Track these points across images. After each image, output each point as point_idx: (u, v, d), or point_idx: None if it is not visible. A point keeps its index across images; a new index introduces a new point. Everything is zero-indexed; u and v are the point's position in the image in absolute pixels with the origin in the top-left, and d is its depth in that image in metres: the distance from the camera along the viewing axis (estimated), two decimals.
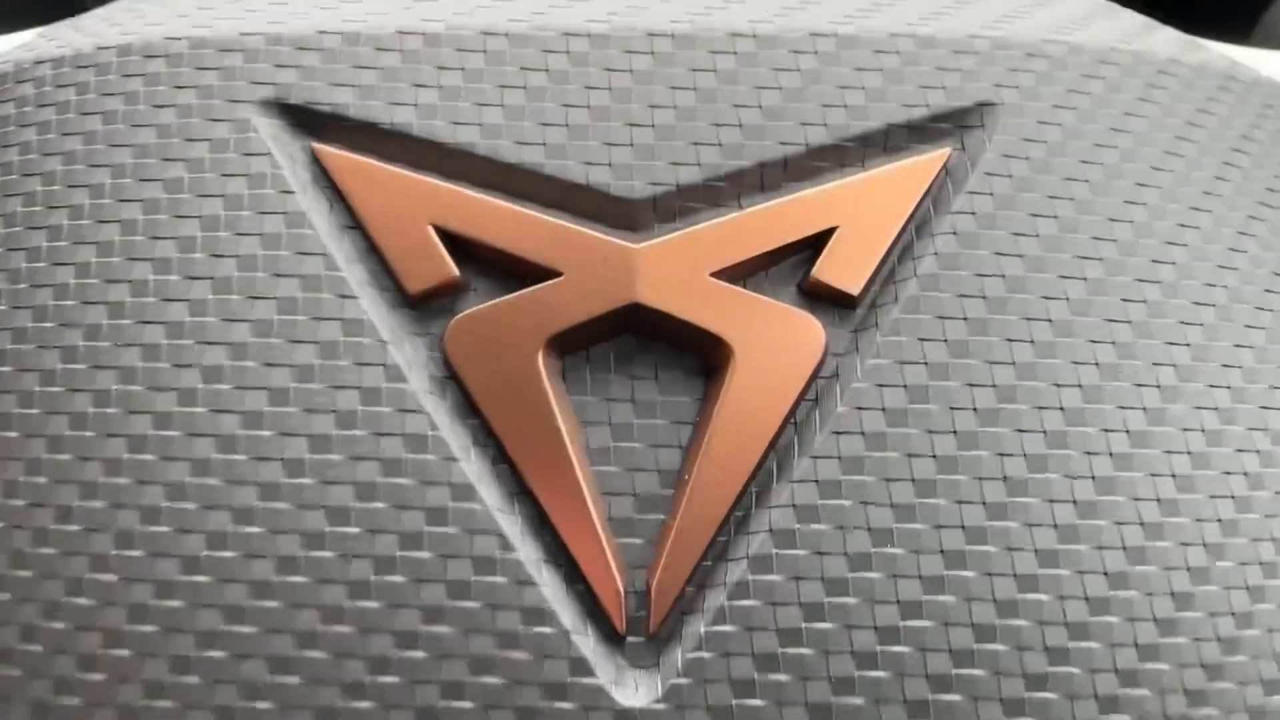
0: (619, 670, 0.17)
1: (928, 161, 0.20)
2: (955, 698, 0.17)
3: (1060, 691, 0.17)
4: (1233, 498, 0.18)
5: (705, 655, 0.17)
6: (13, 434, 0.18)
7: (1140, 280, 0.19)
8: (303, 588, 0.17)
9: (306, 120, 0.20)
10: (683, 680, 0.17)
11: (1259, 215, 0.22)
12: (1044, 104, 0.21)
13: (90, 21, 0.25)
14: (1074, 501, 0.18)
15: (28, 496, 0.18)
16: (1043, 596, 0.17)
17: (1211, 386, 0.19)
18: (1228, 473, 0.18)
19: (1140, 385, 0.18)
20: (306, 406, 0.18)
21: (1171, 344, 0.19)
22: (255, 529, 0.17)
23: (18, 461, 0.18)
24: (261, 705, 0.17)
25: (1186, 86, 0.23)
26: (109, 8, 0.26)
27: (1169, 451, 0.18)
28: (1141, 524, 0.18)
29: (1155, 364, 0.19)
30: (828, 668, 0.17)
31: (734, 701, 0.17)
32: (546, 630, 0.17)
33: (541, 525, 0.18)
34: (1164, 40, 0.25)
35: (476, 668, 0.17)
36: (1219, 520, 0.18)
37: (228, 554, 0.17)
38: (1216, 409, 0.19)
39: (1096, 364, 0.19)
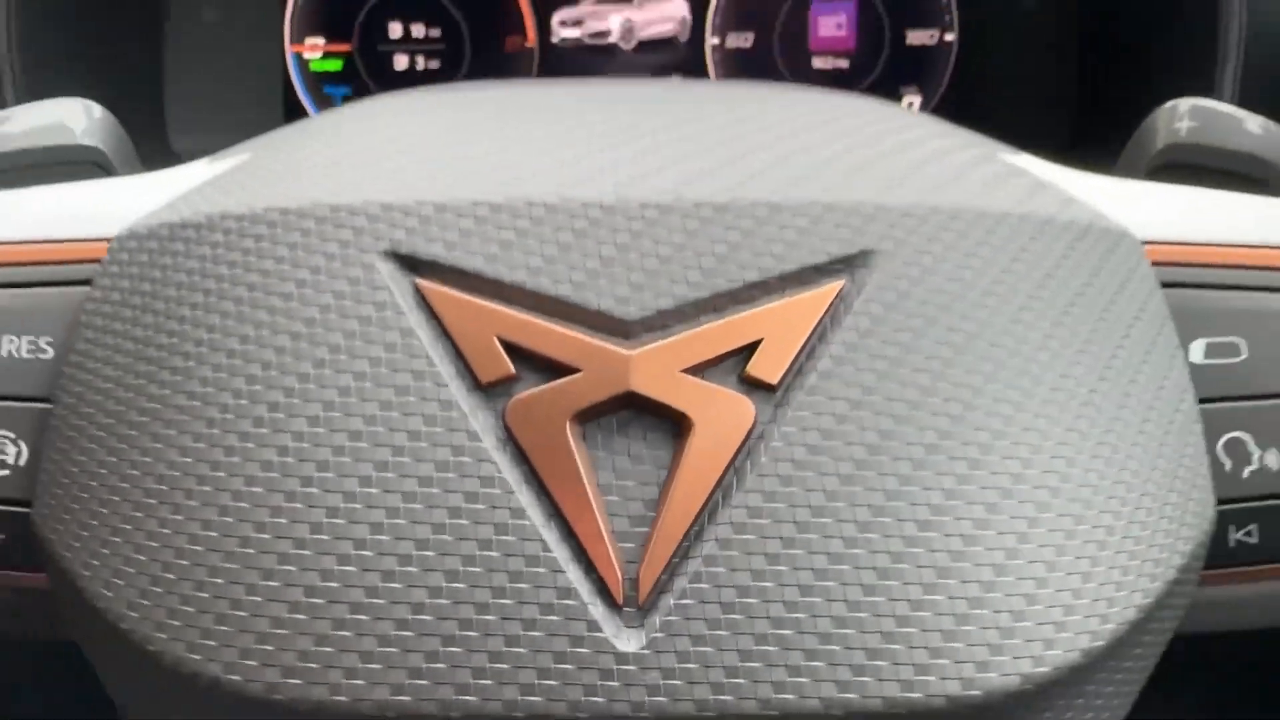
0: (618, 628, 0.26)
1: (827, 291, 0.28)
2: (835, 648, 0.26)
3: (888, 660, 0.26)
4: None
5: (674, 619, 0.26)
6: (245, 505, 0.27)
7: (972, 373, 0.28)
8: (409, 575, 0.26)
9: (412, 265, 0.28)
10: (659, 635, 0.26)
11: (1087, 350, 0.30)
12: (912, 250, 0.29)
13: (243, 179, 0.33)
14: (916, 520, 0.26)
15: (261, 532, 0.27)
16: (892, 582, 0.26)
17: (1014, 467, 0.28)
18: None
19: (962, 448, 0.27)
20: (416, 457, 0.27)
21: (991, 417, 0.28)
22: (384, 537, 0.26)
23: (259, 518, 0.27)
24: (370, 657, 0.26)
25: (1044, 239, 0.31)
26: (250, 167, 0.35)
27: (989, 503, 0.27)
28: (961, 535, 0.27)
29: (977, 428, 0.28)
30: (753, 627, 0.26)
31: (692, 648, 0.26)
32: (571, 603, 0.26)
33: (568, 535, 0.26)
34: (1022, 197, 0.33)
35: (526, 627, 0.26)
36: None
37: (364, 553, 0.26)
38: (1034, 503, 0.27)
39: (938, 427, 0.27)
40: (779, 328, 0.28)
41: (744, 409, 0.27)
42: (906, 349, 0.28)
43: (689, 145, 0.31)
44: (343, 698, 0.25)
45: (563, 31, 0.92)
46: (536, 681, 0.25)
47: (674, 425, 0.27)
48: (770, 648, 0.26)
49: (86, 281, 0.32)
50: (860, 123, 0.35)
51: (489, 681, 0.25)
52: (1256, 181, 0.44)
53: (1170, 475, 0.30)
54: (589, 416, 0.27)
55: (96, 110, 0.45)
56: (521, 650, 0.25)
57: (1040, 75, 0.90)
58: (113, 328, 0.31)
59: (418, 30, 0.92)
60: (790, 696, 0.25)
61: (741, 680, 0.26)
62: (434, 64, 0.92)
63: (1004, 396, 0.28)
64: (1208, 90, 0.72)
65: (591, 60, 0.92)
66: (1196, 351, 0.33)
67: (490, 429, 0.27)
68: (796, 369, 0.27)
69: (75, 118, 0.44)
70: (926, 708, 0.26)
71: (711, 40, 0.93)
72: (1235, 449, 0.33)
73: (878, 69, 0.93)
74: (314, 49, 0.92)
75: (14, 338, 0.32)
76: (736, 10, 0.92)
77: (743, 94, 0.38)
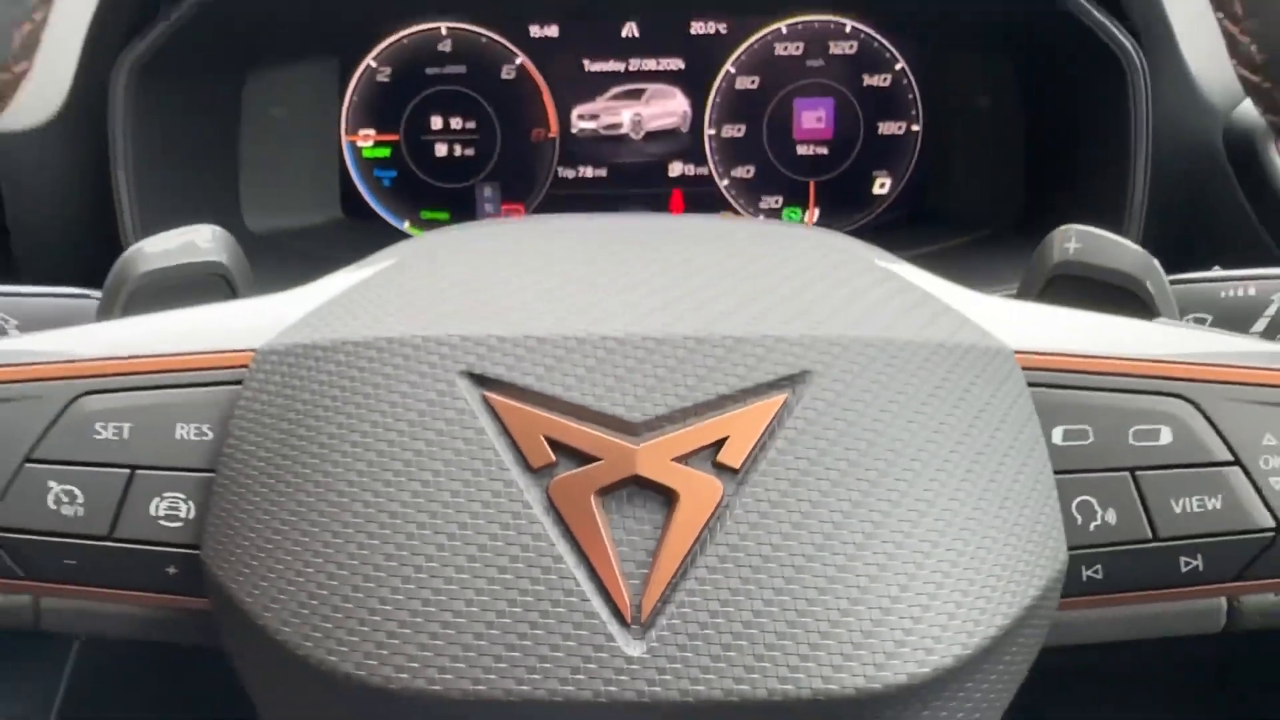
0: (627, 640, 0.36)
1: (775, 401, 0.38)
2: (777, 653, 0.36)
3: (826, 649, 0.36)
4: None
5: (666, 633, 0.36)
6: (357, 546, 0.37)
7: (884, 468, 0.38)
8: (483, 601, 0.36)
9: (482, 381, 0.38)
10: (655, 644, 0.36)
11: (964, 440, 0.39)
12: (837, 370, 0.39)
13: (355, 308, 0.43)
14: (836, 564, 0.36)
15: (370, 560, 0.37)
16: (819, 606, 0.36)
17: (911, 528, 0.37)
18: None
19: (870, 514, 0.37)
20: (487, 519, 0.36)
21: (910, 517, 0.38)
22: (465, 575, 0.36)
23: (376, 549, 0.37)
24: (455, 658, 0.35)
25: (937, 358, 0.40)
26: (360, 297, 0.44)
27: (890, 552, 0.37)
28: (868, 574, 0.36)
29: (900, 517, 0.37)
30: (721, 639, 0.36)
31: (678, 653, 0.36)
32: (595, 621, 0.36)
33: (592, 575, 0.36)
34: (923, 324, 0.42)
35: (565, 638, 0.36)
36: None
37: (451, 586, 0.36)
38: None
39: (852, 499, 0.37)
40: (741, 428, 0.38)
41: (715, 486, 0.37)
42: (831, 443, 0.38)
43: (678, 289, 0.41)
44: (437, 686, 0.35)
45: (581, 124, 1.00)
46: (570, 675, 0.35)
47: (667, 497, 0.37)
48: (733, 653, 0.36)
49: (238, 382, 0.42)
50: (806, 262, 0.44)
51: (538, 675, 0.35)
52: (1129, 292, 0.54)
53: (1029, 528, 0.40)
54: (607, 491, 0.37)
55: (219, 232, 0.55)
56: (560, 654, 0.35)
57: (993, 162, 0.96)
58: (262, 420, 0.40)
59: (455, 123, 0.99)
60: (746, 687, 0.35)
61: (712, 675, 0.35)
62: (469, 151, 1.00)
63: (901, 476, 0.38)
64: (1122, 181, 0.81)
65: (605, 148, 1.00)
66: (1057, 435, 0.43)
67: (538, 500, 0.37)
68: (753, 458, 0.37)
69: (203, 240, 0.54)
70: (843, 696, 0.36)
71: (709, 131, 1.01)
72: (1084, 508, 0.42)
73: (853, 155, 1.00)
74: (366, 139, 1.01)
75: (185, 425, 0.42)
76: (730, 105, 1.00)
77: (716, 233, 0.47)
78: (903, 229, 1.01)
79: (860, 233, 1.02)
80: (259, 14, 0.85)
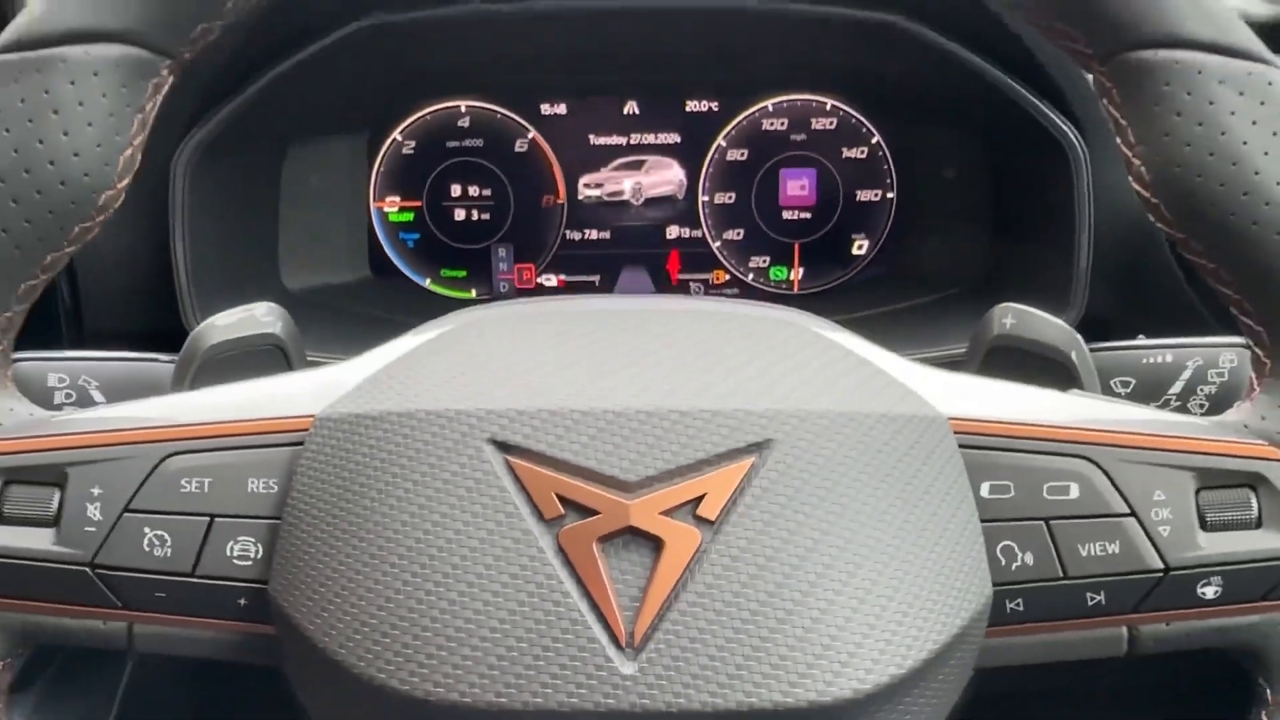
0: (622, 660, 0.42)
1: (744, 464, 0.44)
2: (745, 671, 0.42)
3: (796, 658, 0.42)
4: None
5: (654, 655, 0.42)
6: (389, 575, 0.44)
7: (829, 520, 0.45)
8: (505, 629, 0.42)
9: (505, 447, 0.45)
10: (645, 664, 0.42)
11: (902, 495, 0.43)
12: (796, 439, 0.46)
13: (397, 383, 0.49)
14: (793, 599, 0.43)
15: (395, 581, 0.43)
16: (783, 629, 0.42)
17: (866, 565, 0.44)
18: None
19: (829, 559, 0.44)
20: (507, 562, 0.43)
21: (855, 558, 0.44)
22: (490, 607, 0.43)
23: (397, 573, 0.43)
24: (482, 675, 0.42)
25: (880, 426, 0.45)
26: (400, 372, 0.51)
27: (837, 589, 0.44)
28: (819, 607, 0.43)
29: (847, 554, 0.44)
30: (699, 660, 0.42)
31: (664, 672, 0.42)
32: (595, 645, 0.42)
33: (594, 607, 0.42)
34: (869, 396, 0.47)
35: (571, 659, 0.42)
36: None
37: (479, 616, 0.43)
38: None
39: (806, 545, 0.44)
40: (716, 486, 0.44)
41: (694, 535, 0.43)
42: (790, 499, 0.44)
43: (665, 368, 0.47)
44: (467, 699, 0.42)
45: (587, 191, 1.06)
46: (575, 689, 0.42)
47: (655, 544, 0.43)
48: (709, 671, 0.42)
49: (300, 443, 0.49)
50: (772, 342, 0.50)
51: (550, 690, 0.42)
52: (1057, 362, 0.61)
53: (957, 568, 0.46)
54: (606, 539, 0.43)
55: (274, 308, 0.62)
56: (568, 672, 0.42)
57: (960, 228, 1.02)
58: (321, 477, 0.47)
59: (473, 190, 1.06)
60: (720, 700, 0.42)
61: (692, 690, 0.42)
62: (485, 216, 1.06)
63: (846, 526, 0.44)
64: (1069, 250, 0.87)
65: (609, 213, 1.07)
66: (984, 489, 0.48)
67: (549, 546, 0.43)
68: (725, 511, 0.44)
69: (261, 314, 0.62)
70: (799, 707, 0.42)
71: (703, 198, 1.07)
72: (1007, 551, 0.48)
73: (834, 219, 1.07)
74: (392, 205, 1.07)
75: (255, 479, 0.48)
76: (722, 175, 1.06)
77: (697, 317, 0.51)
78: (879, 286, 1.07)
79: (840, 289, 1.09)
80: (301, 98, 0.92)
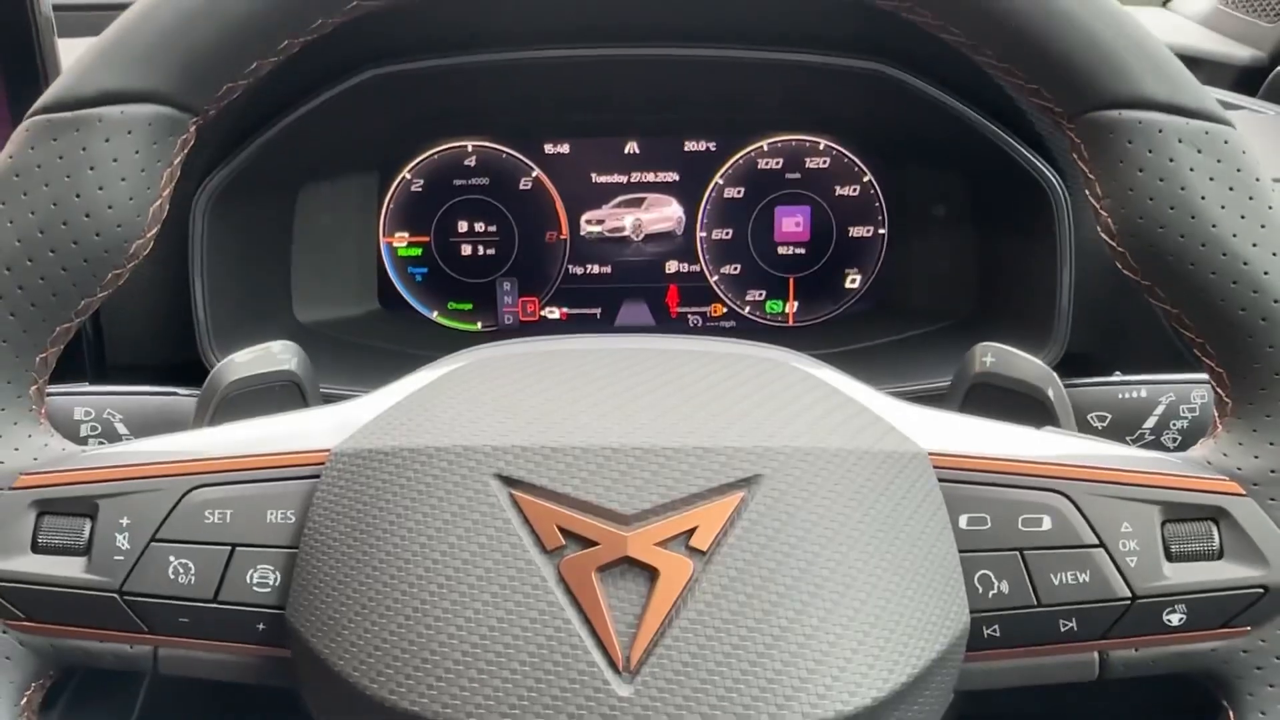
0: (620, 683, 0.45)
1: (733, 499, 0.47)
2: (736, 692, 0.45)
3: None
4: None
5: (649, 678, 0.45)
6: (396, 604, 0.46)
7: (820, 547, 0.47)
8: (509, 654, 0.45)
9: (509, 481, 0.48)
10: (641, 687, 0.45)
11: (885, 526, 0.47)
12: (782, 474, 0.48)
13: (408, 421, 0.52)
14: (781, 625, 0.45)
15: (403, 608, 0.46)
16: (772, 651, 0.45)
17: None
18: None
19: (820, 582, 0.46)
20: (512, 590, 0.46)
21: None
22: (495, 632, 0.45)
23: (404, 604, 0.46)
24: (488, 696, 0.44)
25: (863, 462, 0.48)
26: (412, 409, 0.54)
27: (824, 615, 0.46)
28: (806, 631, 0.46)
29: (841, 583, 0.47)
30: (692, 682, 0.45)
31: (659, 694, 0.45)
32: (594, 669, 0.44)
33: (593, 633, 0.45)
34: (854, 433, 0.50)
35: (571, 681, 0.45)
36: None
37: (485, 641, 0.45)
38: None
39: (793, 573, 0.46)
40: (708, 519, 0.47)
41: (687, 565, 0.46)
42: (777, 531, 0.47)
43: (660, 406, 0.50)
44: (474, 718, 0.44)
45: (588, 228, 1.09)
46: (575, 710, 0.44)
47: (651, 573, 0.46)
48: (702, 694, 0.44)
49: (316, 476, 0.51)
50: (761, 381, 0.53)
51: (551, 711, 0.44)
52: (1035, 399, 0.63)
53: (936, 596, 0.49)
54: (604, 569, 0.46)
55: (292, 347, 0.65)
56: (569, 694, 0.44)
57: (949, 263, 1.05)
58: (336, 509, 0.50)
59: (479, 226, 1.08)
60: None
61: (685, 712, 0.44)
62: (491, 251, 1.09)
63: (831, 555, 0.47)
64: (1052, 288, 0.90)
65: (610, 248, 1.10)
66: (962, 521, 0.51)
67: (551, 575, 0.46)
68: (716, 542, 0.46)
69: (281, 353, 0.64)
70: None
71: (701, 234, 1.10)
72: (984, 580, 0.51)
73: (827, 255, 1.09)
74: (401, 240, 1.10)
75: (274, 511, 0.51)
76: (719, 212, 1.09)
77: (691, 355, 0.54)
78: (870, 319, 1.10)
79: (834, 322, 1.12)
80: (313, 142, 0.94)
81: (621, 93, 1.02)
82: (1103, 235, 0.52)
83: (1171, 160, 0.49)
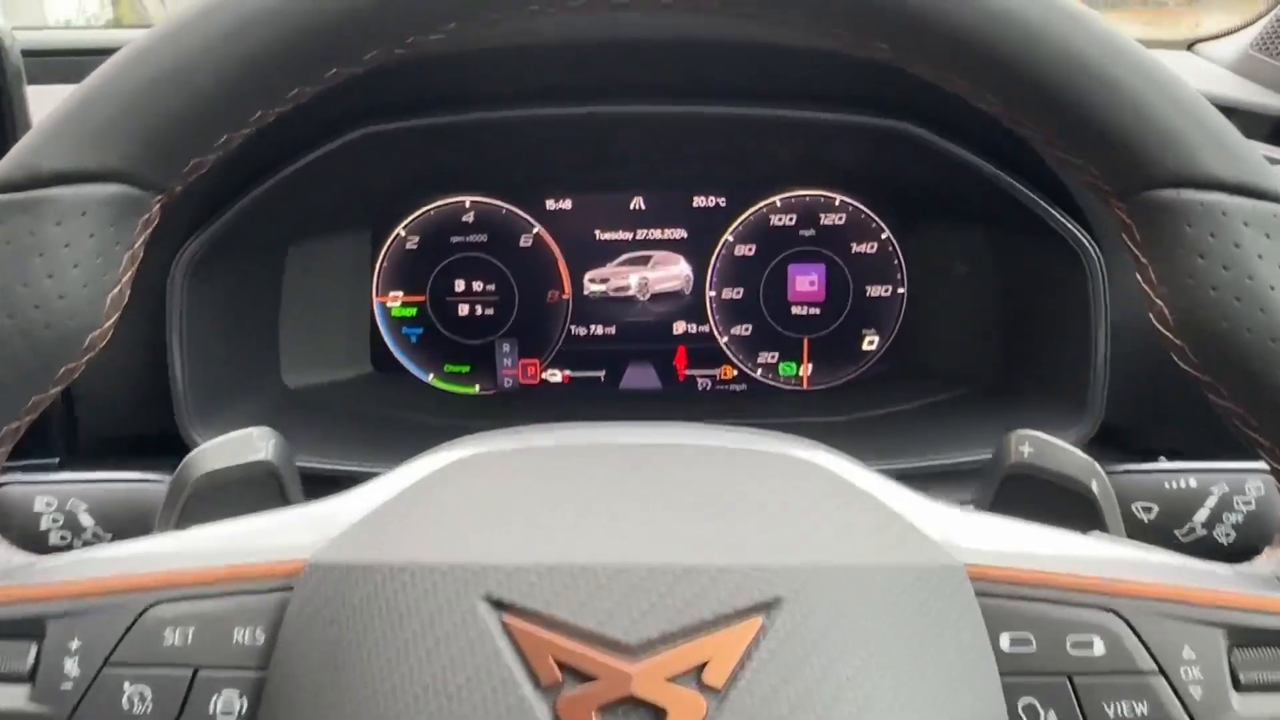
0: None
1: (750, 625, 0.42)
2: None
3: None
4: None
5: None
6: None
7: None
8: None
9: (499, 604, 0.43)
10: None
11: (920, 648, 0.43)
12: (805, 596, 0.44)
13: (385, 531, 0.48)
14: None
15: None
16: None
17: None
18: None
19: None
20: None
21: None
22: None
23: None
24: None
25: (894, 579, 0.44)
26: (390, 517, 0.49)
27: None
28: None
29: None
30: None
31: None
32: None
33: None
34: (883, 547, 0.47)
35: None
36: None
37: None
38: None
39: (821, 708, 0.42)
40: (722, 651, 0.42)
41: (699, 703, 0.41)
42: (800, 661, 0.42)
43: (668, 516, 0.46)
44: None
45: (592, 287, 1.06)
46: None
47: (659, 713, 0.42)
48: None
49: (288, 588, 0.47)
50: (782, 486, 0.49)
51: None
52: (1075, 492, 0.59)
53: None
54: (606, 709, 0.42)
55: (271, 435, 0.61)
56: None
57: (971, 325, 1.01)
58: (310, 627, 0.45)
59: (477, 285, 1.05)
60: None
61: None
62: (489, 311, 1.05)
63: (859, 689, 0.43)
64: (1085, 357, 0.85)
65: (614, 308, 1.06)
66: (1004, 641, 0.47)
67: (546, 716, 0.41)
68: (732, 677, 0.42)
69: (257, 438, 0.60)
70: None
71: (710, 293, 1.06)
72: (1029, 710, 0.47)
73: (843, 315, 1.06)
74: (395, 299, 1.07)
75: (241, 628, 0.47)
76: (729, 270, 1.06)
77: (702, 454, 0.50)
78: (889, 383, 1.06)
79: (850, 386, 1.08)
80: (301, 201, 0.91)
81: (625, 147, 0.99)
82: (1157, 325, 0.48)
83: (1237, 246, 0.45)
